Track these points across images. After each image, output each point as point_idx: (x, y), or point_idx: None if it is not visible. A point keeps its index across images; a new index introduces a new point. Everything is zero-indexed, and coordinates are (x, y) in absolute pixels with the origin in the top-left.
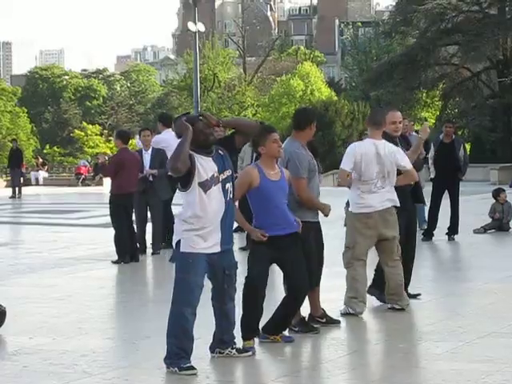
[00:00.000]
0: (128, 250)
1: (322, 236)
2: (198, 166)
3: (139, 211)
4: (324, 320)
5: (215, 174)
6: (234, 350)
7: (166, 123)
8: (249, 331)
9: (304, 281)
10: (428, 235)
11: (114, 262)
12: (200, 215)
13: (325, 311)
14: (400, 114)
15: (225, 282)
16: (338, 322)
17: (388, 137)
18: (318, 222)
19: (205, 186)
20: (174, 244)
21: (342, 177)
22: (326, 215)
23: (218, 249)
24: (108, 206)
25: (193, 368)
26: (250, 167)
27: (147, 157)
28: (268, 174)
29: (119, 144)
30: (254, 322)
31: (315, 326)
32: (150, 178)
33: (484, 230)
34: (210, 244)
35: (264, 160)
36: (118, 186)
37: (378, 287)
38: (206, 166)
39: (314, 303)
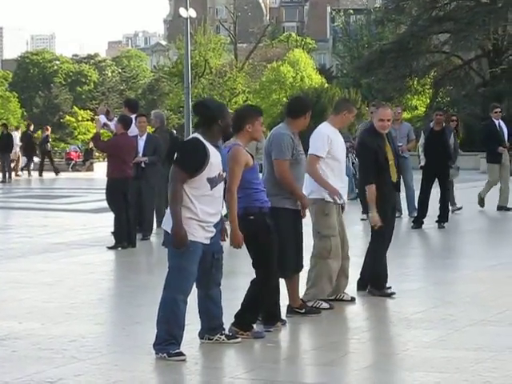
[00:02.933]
0: (126, 235)
1: (302, 224)
2: (210, 161)
3: (131, 197)
4: (303, 310)
5: (220, 172)
6: (222, 336)
7: (131, 109)
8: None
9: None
10: (418, 223)
11: (111, 248)
12: (206, 210)
13: (304, 301)
14: (390, 112)
15: (213, 266)
16: (319, 311)
17: (375, 132)
18: (298, 210)
19: (212, 182)
20: (166, 228)
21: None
22: (304, 207)
23: (211, 236)
24: (104, 191)
25: (182, 354)
26: (239, 147)
27: (141, 143)
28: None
29: (119, 129)
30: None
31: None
32: (143, 165)
33: None
34: (208, 235)
35: (245, 139)
36: (114, 171)
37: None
38: (215, 164)
39: (293, 293)
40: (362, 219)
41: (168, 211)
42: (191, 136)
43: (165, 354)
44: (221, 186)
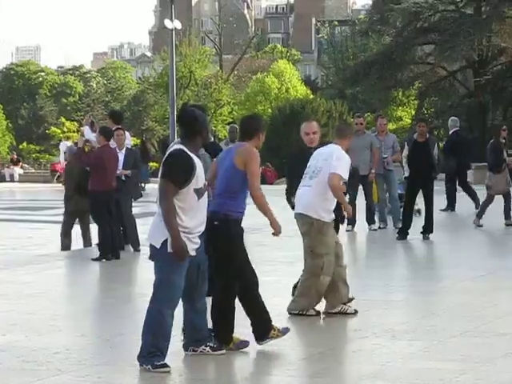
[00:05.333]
0: (110, 247)
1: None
2: (197, 172)
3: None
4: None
5: (205, 182)
6: (207, 348)
7: (115, 120)
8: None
9: None
10: (403, 234)
11: (95, 259)
12: (193, 221)
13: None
14: (315, 125)
15: (199, 277)
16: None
17: (303, 147)
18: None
19: (199, 193)
20: (153, 242)
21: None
22: None
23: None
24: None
25: (166, 366)
26: (253, 150)
27: (120, 156)
28: None
29: (101, 140)
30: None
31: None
32: (123, 178)
33: None
34: (195, 246)
35: (255, 145)
36: (97, 183)
37: None
38: (200, 175)
39: None
40: (348, 230)
41: (158, 224)
42: (175, 147)
43: (149, 366)
44: (205, 196)
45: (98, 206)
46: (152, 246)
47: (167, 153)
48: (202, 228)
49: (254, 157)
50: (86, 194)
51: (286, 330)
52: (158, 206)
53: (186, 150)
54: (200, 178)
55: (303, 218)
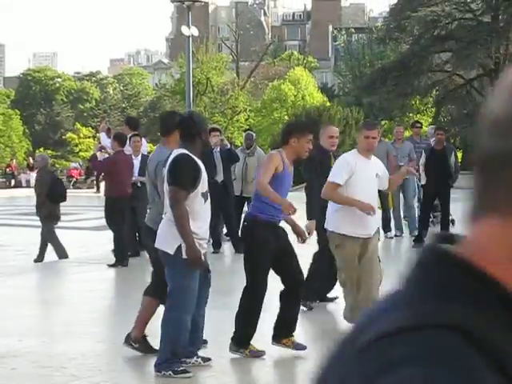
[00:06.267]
0: (127, 253)
1: None
2: (203, 175)
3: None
4: (137, 345)
5: (207, 188)
6: (199, 359)
7: (132, 127)
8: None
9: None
10: (419, 242)
11: (111, 266)
12: (201, 225)
13: (145, 338)
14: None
15: (203, 283)
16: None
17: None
18: None
19: (205, 196)
20: (166, 248)
21: None
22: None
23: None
24: (103, 209)
25: (187, 371)
26: (274, 152)
27: (136, 162)
28: (287, 165)
29: (115, 146)
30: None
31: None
32: (139, 184)
33: None
34: (204, 251)
35: (290, 153)
36: (112, 189)
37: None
38: (205, 178)
39: (143, 322)
40: None
41: (167, 230)
42: (178, 152)
43: (170, 372)
44: (209, 201)
45: (113, 212)
46: (164, 253)
47: (171, 159)
48: (208, 232)
49: (268, 159)
50: (57, 200)
51: (300, 347)
52: (166, 212)
53: (189, 153)
54: (205, 181)
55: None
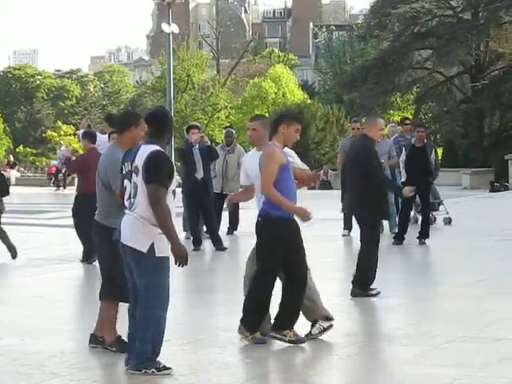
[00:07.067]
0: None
1: None
2: (175, 173)
3: None
4: (114, 349)
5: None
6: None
7: (112, 124)
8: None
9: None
10: (399, 239)
11: (82, 261)
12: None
13: (120, 338)
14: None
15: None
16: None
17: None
18: None
19: (174, 193)
20: (138, 246)
21: None
22: None
23: None
24: (72, 205)
25: (168, 368)
26: (271, 148)
27: None
28: (284, 155)
29: (86, 144)
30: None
31: None
32: None
33: None
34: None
35: (281, 141)
36: (82, 186)
37: None
38: (175, 176)
39: (111, 326)
40: (344, 235)
41: (138, 229)
42: (153, 149)
43: (153, 370)
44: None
45: (82, 208)
46: (135, 251)
47: (146, 156)
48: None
49: (268, 158)
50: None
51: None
52: (135, 209)
53: (162, 150)
54: (175, 179)
55: None
